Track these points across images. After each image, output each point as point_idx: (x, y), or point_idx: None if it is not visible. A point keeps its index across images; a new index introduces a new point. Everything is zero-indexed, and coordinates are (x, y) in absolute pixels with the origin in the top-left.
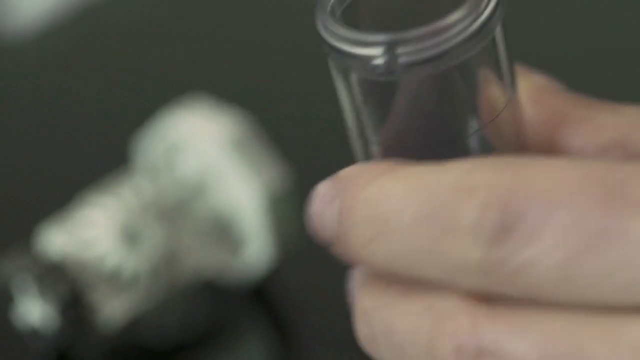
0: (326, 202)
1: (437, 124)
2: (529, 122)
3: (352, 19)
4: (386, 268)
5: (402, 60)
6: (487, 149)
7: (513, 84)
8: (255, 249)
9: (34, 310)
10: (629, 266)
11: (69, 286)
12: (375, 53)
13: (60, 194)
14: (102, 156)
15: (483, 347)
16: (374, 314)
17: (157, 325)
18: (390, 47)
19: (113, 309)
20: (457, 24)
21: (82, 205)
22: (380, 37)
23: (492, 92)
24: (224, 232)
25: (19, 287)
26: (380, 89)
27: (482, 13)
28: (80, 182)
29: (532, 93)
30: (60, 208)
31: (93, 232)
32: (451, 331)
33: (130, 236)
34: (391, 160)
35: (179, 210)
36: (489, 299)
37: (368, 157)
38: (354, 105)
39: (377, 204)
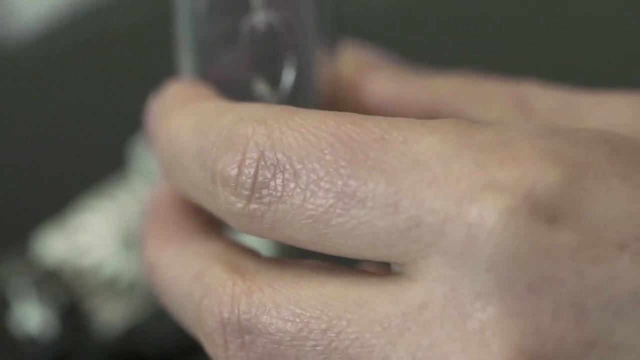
0: (148, 120)
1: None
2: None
3: None
4: (184, 196)
5: None
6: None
7: (334, 34)
8: (256, 243)
9: (31, 316)
10: (365, 227)
11: (66, 292)
12: None
13: (58, 198)
14: (99, 160)
15: (242, 323)
16: (154, 273)
17: (156, 331)
18: None
19: (111, 315)
20: None
21: (80, 209)
22: None
23: (307, 35)
24: None
25: (16, 293)
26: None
27: None
28: (78, 186)
29: (352, 71)
30: (57, 212)
31: (90, 238)
32: (215, 305)
33: (128, 242)
34: (207, 77)
35: None
36: (247, 272)
37: (193, 69)
38: (193, 3)
39: (170, 139)
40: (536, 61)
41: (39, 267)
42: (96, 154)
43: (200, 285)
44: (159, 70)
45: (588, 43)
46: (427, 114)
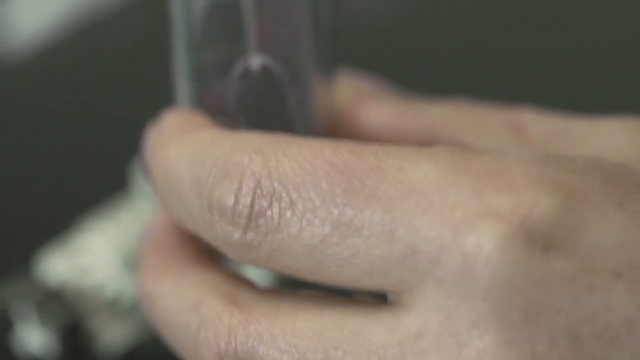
0: (145, 149)
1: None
2: (343, 129)
3: None
4: (181, 226)
5: None
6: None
7: (330, 64)
8: (253, 274)
9: (34, 337)
10: (362, 256)
11: (68, 313)
12: None
13: (60, 220)
14: (101, 181)
15: (239, 354)
16: (150, 303)
17: (157, 352)
18: None
19: (113, 336)
20: None
21: (82, 231)
22: None
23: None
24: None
25: (19, 313)
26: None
27: None
28: (80, 208)
29: (348, 100)
30: (59, 234)
31: (92, 259)
32: (211, 336)
33: (130, 263)
34: (202, 106)
35: None
36: (243, 303)
37: (190, 98)
38: (190, 31)
39: (167, 169)
40: (534, 80)
41: (41, 288)
42: (98, 174)
43: (196, 316)
44: (160, 87)
45: (588, 69)
46: (424, 142)
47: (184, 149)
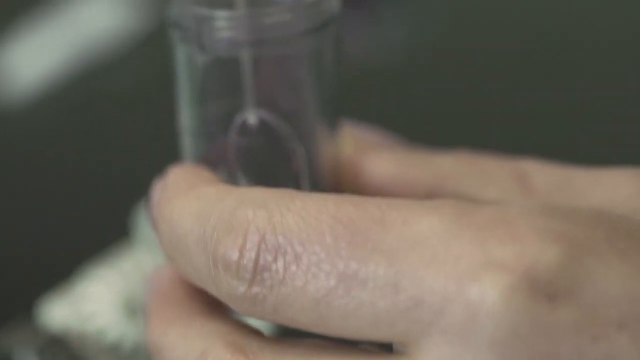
0: (151, 205)
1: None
2: (347, 182)
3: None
4: (187, 280)
5: (213, 37)
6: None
7: (335, 118)
8: (259, 322)
9: None
10: (367, 308)
11: (70, 359)
12: (191, 27)
13: (62, 267)
14: (102, 228)
15: None
16: (159, 353)
17: None
18: (201, 22)
19: None
20: (273, 14)
21: (83, 278)
22: (195, 13)
23: (309, 110)
24: None
25: (20, 359)
26: (209, 68)
27: (301, 17)
28: (81, 255)
29: (352, 153)
30: (61, 281)
31: (94, 306)
32: None
33: (131, 308)
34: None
35: None
36: (250, 352)
37: (194, 152)
38: (192, 85)
39: (172, 225)
40: (536, 124)
41: (44, 334)
42: (100, 222)
43: None
44: (161, 134)
45: (592, 114)
46: (428, 193)
47: (189, 204)
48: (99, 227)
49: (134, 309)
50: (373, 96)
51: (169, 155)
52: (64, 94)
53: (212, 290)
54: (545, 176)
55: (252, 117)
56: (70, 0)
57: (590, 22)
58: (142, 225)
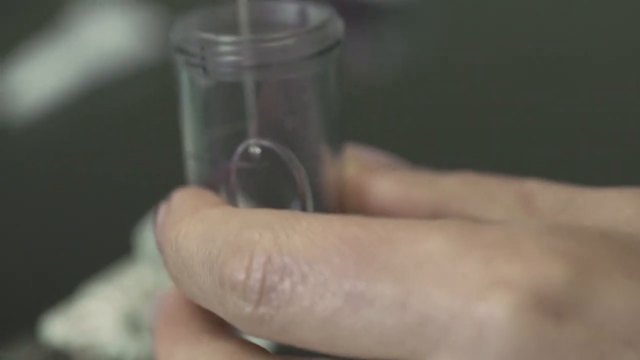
0: (156, 227)
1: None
2: (351, 203)
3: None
4: (194, 301)
5: (217, 61)
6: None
7: (339, 140)
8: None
9: None
10: (375, 327)
11: None
12: (195, 51)
13: (64, 284)
14: (104, 245)
15: None
16: None
17: None
18: (205, 47)
19: None
20: (277, 39)
21: (85, 294)
22: (199, 37)
23: (313, 133)
24: None
25: None
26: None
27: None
28: (84, 272)
29: (356, 175)
30: (63, 297)
31: (96, 322)
32: None
33: (132, 324)
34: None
35: None
36: None
37: (198, 174)
38: (195, 109)
39: (178, 247)
40: (539, 139)
41: (46, 350)
42: (102, 239)
43: None
44: (164, 152)
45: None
46: (433, 214)
47: (194, 227)
48: (102, 244)
49: (136, 325)
50: (374, 113)
51: (171, 173)
52: (70, 112)
53: (219, 311)
54: (549, 196)
55: (255, 141)
56: (77, 20)
57: (590, 37)
58: (144, 242)
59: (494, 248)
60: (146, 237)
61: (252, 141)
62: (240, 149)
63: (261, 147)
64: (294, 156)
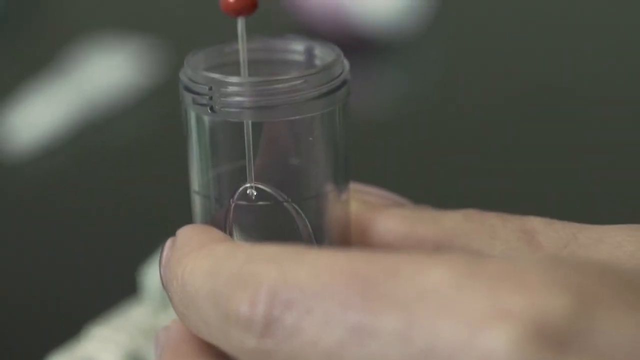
0: (161, 264)
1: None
2: (355, 240)
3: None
4: (199, 336)
5: (224, 101)
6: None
7: (344, 178)
8: None
9: None
10: (380, 359)
11: None
12: (203, 91)
13: (68, 325)
14: (109, 284)
15: None
16: None
17: None
18: (213, 87)
19: None
20: (283, 81)
21: (90, 335)
22: (207, 77)
23: (319, 170)
24: None
25: None
26: (220, 130)
27: (307, 88)
28: (88, 313)
29: (360, 212)
30: (68, 338)
31: None
32: None
33: None
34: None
35: None
36: None
37: (204, 211)
38: (201, 147)
39: (184, 283)
40: (539, 177)
41: None
42: (107, 277)
43: None
44: (165, 187)
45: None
46: (436, 251)
47: (200, 262)
48: (106, 283)
49: None
50: (377, 149)
51: (175, 208)
52: (70, 148)
53: (224, 345)
54: (550, 233)
55: (250, 188)
56: (77, 56)
57: (594, 75)
58: (149, 281)
59: (497, 280)
60: (151, 277)
61: (249, 184)
62: (239, 190)
63: (257, 190)
64: (298, 190)
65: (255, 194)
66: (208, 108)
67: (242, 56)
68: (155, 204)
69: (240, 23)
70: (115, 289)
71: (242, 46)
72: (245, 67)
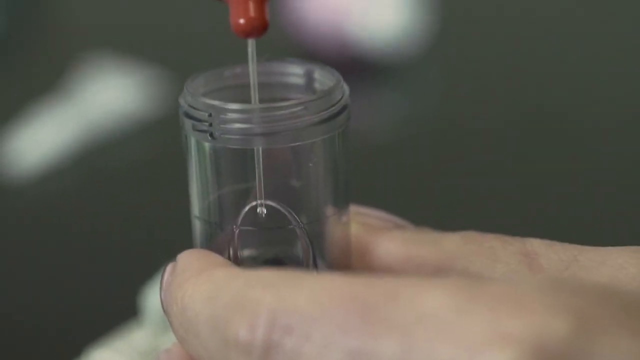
0: (162, 288)
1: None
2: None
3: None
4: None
5: (224, 128)
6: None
7: (344, 201)
8: None
9: None
10: None
11: None
12: (203, 117)
13: (67, 347)
14: (108, 308)
15: None
16: None
17: None
18: (212, 114)
19: None
20: (284, 108)
21: (89, 358)
22: (207, 104)
23: (319, 195)
24: None
25: None
26: (221, 156)
27: (306, 115)
28: (88, 336)
29: (361, 235)
30: None
31: None
32: None
33: None
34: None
35: None
36: None
37: (204, 236)
38: (202, 172)
39: (183, 308)
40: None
41: None
42: (108, 300)
43: None
44: (167, 211)
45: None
46: (437, 274)
47: (200, 287)
48: (107, 306)
49: None
50: (377, 171)
51: (176, 231)
52: (73, 171)
53: None
54: (551, 255)
55: (260, 205)
56: (81, 80)
57: (590, 97)
58: (150, 304)
59: (496, 303)
60: (152, 300)
61: (258, 202)
62: (245, 209)
63: (267, 207)
64: (297, 218)
65: (265, 211)
66: (208, 135)
67: (253, 79)
68: (157, 226)
69: (251, 44)
70: (116, 311)
71: (252, 68)
72: (256, 90)
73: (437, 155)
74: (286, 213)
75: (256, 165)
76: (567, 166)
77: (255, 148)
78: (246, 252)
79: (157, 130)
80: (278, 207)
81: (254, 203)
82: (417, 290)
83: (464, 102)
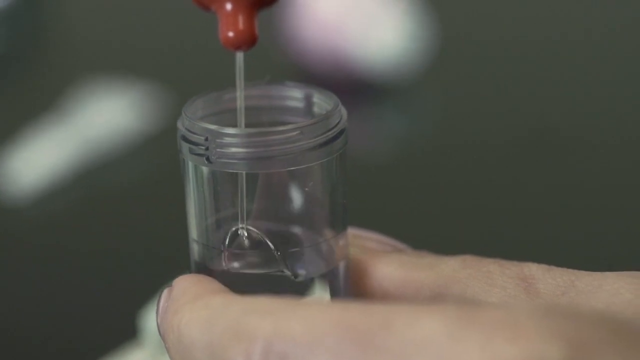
0: (158, 314)
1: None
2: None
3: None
4: None
5: (220, 152)
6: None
7: (341, 224)
8: None
9: None
10: None
11: None
12: (200, 141)
13: None
14: (107, 330)
15: None
16: None
17: None
18: (209, 138)
19: None
20: (280, 132)
21: None
22: (204, 128)
23: (316, 218)
24: None
25: None
26: (219, 180)
27: (302, 139)
28: (87, 358)
29: (358, 258)
30: None
31: None
32: None
33: None
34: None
35: None
36: None
37: (201, 258)
38: (199, 195)
39: (180, 334)
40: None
41: None
42: (107, 321)
43: None
44: (165, 231)
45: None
46: (434, 298)
47: (196, 314)
48: (106, 327)
49: None
50: (374, 193)
51: (173, 253)
52: (71, 191)
53: None
54: (549, 280)
55: (247, 228)
56: (77, 101)
57: (589, 117)
58: (149, 326)
59: (492, 328)
60: (151, 321)
61: (240, 226)
62: (229, 234)
63: (250, 232)
64: (294, 237)
65: (246, 234)
66: (204, 158)
67: (239, 94)
68: (156, 248)
69: (239, 57)
70: (114, 333)
71: (239, 82)
72: (242, 110)
73: (435, 176)
74: (264, 239)
75: (239, 190)
76: (566, 187)
77: (238, 173)
78: (240, 276)
79: (156, 150)
80: (258, 233)
81: (235, 228)
82: (412, 317)
83: (462, 123)
